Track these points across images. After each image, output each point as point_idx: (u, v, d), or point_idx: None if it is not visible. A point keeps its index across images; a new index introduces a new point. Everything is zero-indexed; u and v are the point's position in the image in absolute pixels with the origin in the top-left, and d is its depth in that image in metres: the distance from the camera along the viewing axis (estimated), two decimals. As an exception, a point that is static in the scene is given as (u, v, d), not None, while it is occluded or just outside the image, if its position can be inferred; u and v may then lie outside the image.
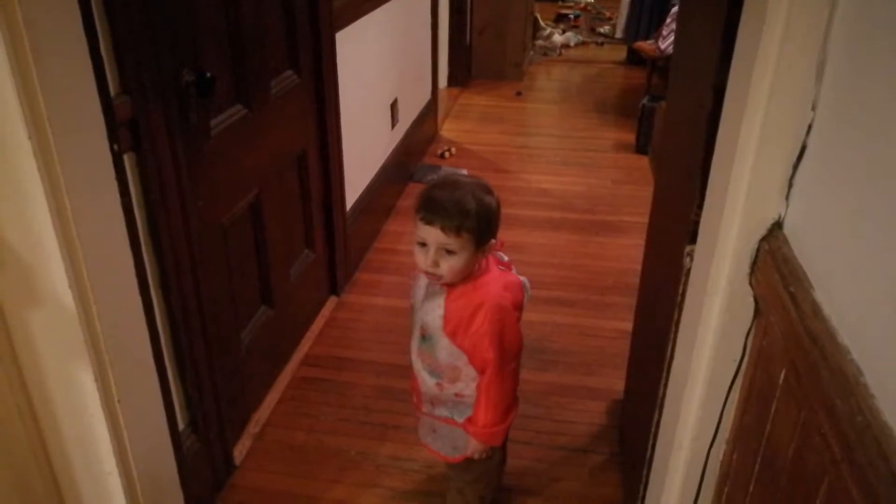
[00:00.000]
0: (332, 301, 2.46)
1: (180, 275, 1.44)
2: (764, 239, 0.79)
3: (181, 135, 1.40)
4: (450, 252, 1.19)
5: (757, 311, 0.83)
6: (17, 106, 0.91)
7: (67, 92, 1.00)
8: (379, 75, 2.89)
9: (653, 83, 4.55)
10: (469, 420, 1.33)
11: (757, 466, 0.78)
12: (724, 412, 0.89)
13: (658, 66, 4.47)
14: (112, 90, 1.16)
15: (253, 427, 1.90)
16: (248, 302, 1.87)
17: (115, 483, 1.18)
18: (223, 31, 1.61)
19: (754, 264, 0.81)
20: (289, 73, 1.99)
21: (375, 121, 2.89)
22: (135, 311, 1.17)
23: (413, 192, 3.37)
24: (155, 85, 1.29)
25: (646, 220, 1.74)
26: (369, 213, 2.80)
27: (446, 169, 3.51)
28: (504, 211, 3.45)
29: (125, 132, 1.21)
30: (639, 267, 1.83)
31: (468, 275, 1.24)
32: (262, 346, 1.94)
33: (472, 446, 1.35)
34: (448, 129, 4.22)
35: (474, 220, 1.18)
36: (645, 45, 4.76)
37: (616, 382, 2.00)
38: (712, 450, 0.92)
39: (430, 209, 1.18)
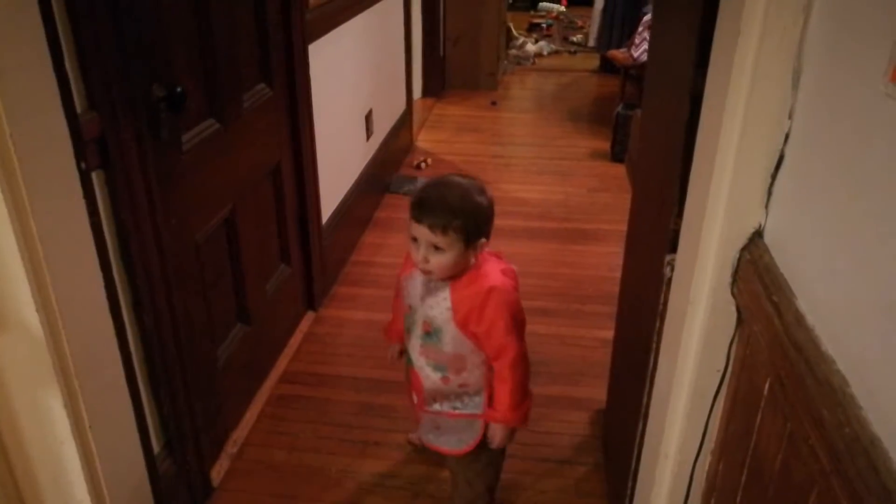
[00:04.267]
0: (309, 316, 2.43)
1: (153, 294, 1.41)
2: (745, 248, 0.79)
3: (152, 151, 1.37)
4: (438, 249, 1.22)
5: (740, 321, 0.82)
6: (-23, 125, 0.88)
7: (31, 109, 0.97)
8: (353, 86, 2.87)
9: (626, 91, 4.58)
10: (491, 407, 1.35)
11: (744, 478, 0.78)
12: (710, 422, 0.89)
13: (631, 74, 4.50)
14: (79, 107, 1.13)
15: (231, 447, 1.86)
16: (223, 319, 1.84)
17: (87, 511, 1.15)
18: (194, 44, 1.59)
19: (736, 274, 0.80)
20: (261, 86, 1.97)
21: (350, 132, 2.87)
22: (106, 334, 1.14)
23: (390, 203, 3.35)
24: (124, 100, 1.26)
25: (623, 227, 1.74)
26: (346, 225, 2.78)
27: (422, 180, 3.49)
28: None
29: (93, 149, 1.18)
30: (617, 275, 1.82)
31: (467, 266, 1.27)
32: (239, 364, 1.91)
33: (498, 433, 1.36)
34: (424, 140, 4.21)
35: (461, 220, 1.21)
36: (618, 54, 4.81)
37: (598, 392, 2.00)
38: (698, 460, 0.91)
39: (420, 208, 1.23)
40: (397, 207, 3.27)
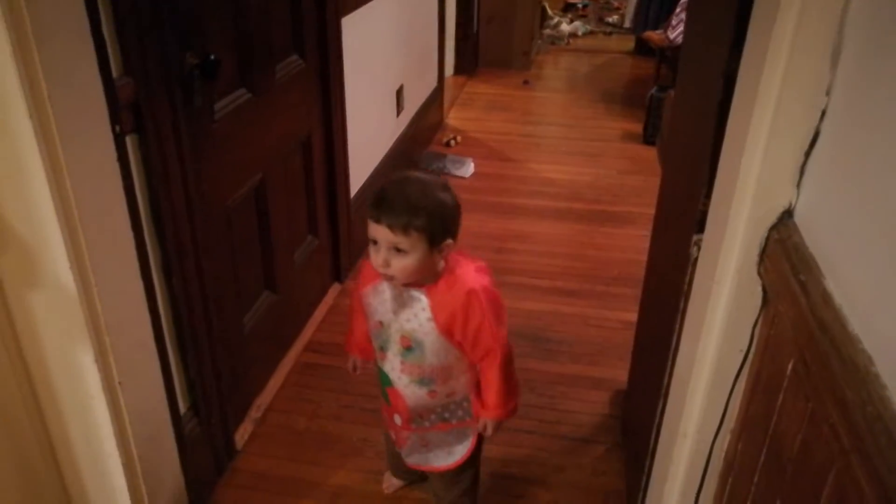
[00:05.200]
0: (335, 288, 2.45)
1: (183, 258, 1.43)
2: (774, 227, 0.78)
3: (185, 118, 1.39)
4: (400, 251, 1.13)
5: (765, 301, 0.82)
6: (17, 86, 0.90)
7: (69, 72, 0.98)
8: (385, 62, 2.87)
9: (661, 73, 4.51)
10: (482, 406, 1.30)
11: (762, 457, 0.77)
12: (730, 402, 0.88)
13: (667, 55, 4.42)
14: (115, 72, 1.15)
15: (255, 412, 1.90)
16: (251, 286, 1.87)
17: (115, 465, 1.18)
18: (227, 14, 1.60)
19: (763, 253, 0.79)
20: (294, 57, 1.98)
21: (381, 107, 2.87)
22: (136, 294, 1.17)
23: (418, 179, 3.35)
24: (158, 67, 1.27)
25: (652, 210, 1.72)
26: (374, 200, 2.78)
27: (452, 157, 3.49)
28: (510, 200, 3.42)
29: (128, 114, 1.20)
30: (644, 258, 1.81)
31: (435, 270, 1.19)
32: (265, 331, 1.94)
33: (490, 427, 1.32)
34: (454, 118, 4.19)
35: (424, 218, 1.12)
36: (654, 35, 4.72)
37: (619, 373, 1.99)
38: (717, 440, 0.91)
39: (378, 206, 1.13)
40: (425, 184, 3.27)
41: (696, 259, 1.06)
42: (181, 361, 1.50)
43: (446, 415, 1.34)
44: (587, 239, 2.85)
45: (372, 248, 1.17)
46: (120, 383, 1.12)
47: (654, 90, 3.83)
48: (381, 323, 1.27)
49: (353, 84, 2.37)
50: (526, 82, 4.92)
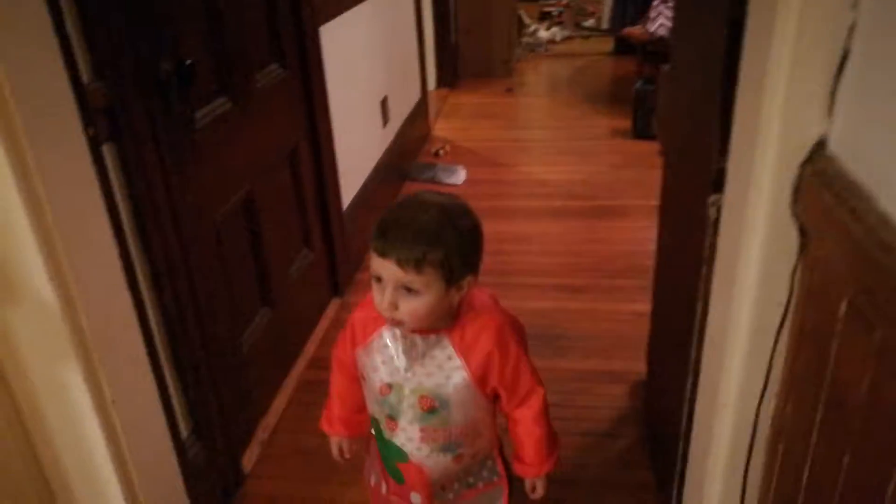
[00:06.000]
0: (335, 302, 2.38)
1: (173, 273, 1.36)
2: (806, 162, 0.72)
3: (164, 125, 1.33)
4: (411, 291, 0.92)
5: (802, 245, 0.75)
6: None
7: (34, 73, 0.92)
8: (367, 71, 2.82)
9: (644, 69, 4.48)
10: (522, 464, 1.11)
11: (819, 414, 0.70)
12: (773, 363, 0.82)
13: (648, 50, 4.40)
14: (85, 77, 1.09)
15: (261, 433, 1.81)
16: (247, 303, 1.79)
17: (114, 492, 1.10)
18: (202, 20, 1.54)
19: (797, 192, 0.73)
20: (273, 66, 1.92)
21: (367, 118, 2.82)
22: (124, 308, 1.09)
23: (410, 190, 3.30)
24: (132, 72, 1.22)
25: (650, 202, 1.67)
26: (367, 212, 2.72)
27: (441, 166, 3.44)
28: (504, 203, 3.38)
29: (102, 120, 1.14)
30: (648, 248, 1.76)
31: (451, 310, 0.99)
32: (266, 349, 1.86)
33: (540, 486, 1.13)
34: (440, 128, 4.15)
35: (441, 252, 0.90)
36: (634, 31, 4.70)
37: (636, 364, 1.92)
38: (762, 405, 0.84)
39: (385, 237, 0.92)
40: (417, 194, 3.22)
41: (717, 220, 1.00)
42: (179, 382, 1.42)
43: (471, 479, 1.14)
44: (587, 235, 2.79)
45: (375, 287, 0.95)
46: (113, 402, 1.04)
47: (638, 84, 3.81)
48: (389, 386, 1.03)
49: (336, 94, 2.32)
50: (509, 90, 4.90)
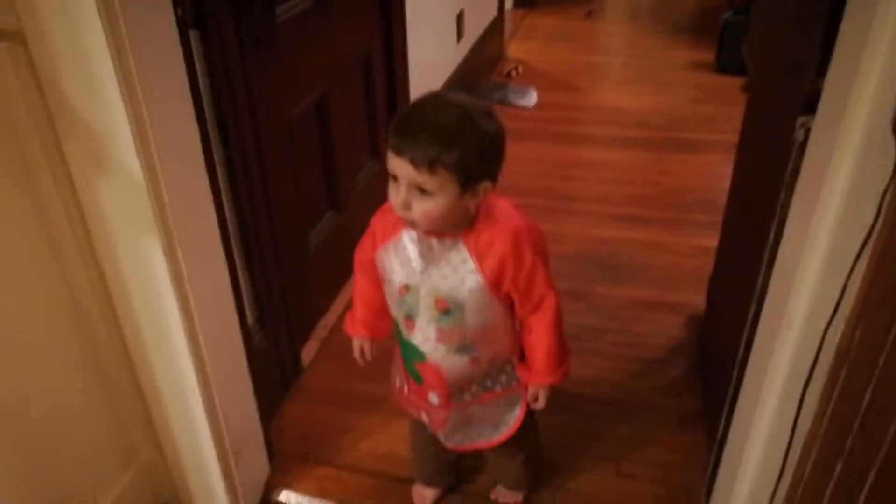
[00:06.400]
0: (397, 214, 2.41)
1: (247, 165, 1.40)
2: (915, 75, 0.68)
3: (246, 17, 1.34)
4: (424, 192, 0.92)
5: (898, 165, 0.72)
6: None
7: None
8: (445, -18, 2.76)
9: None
10: (528, 369, 1.13)
11: (891, 337, 0.69)
12: (847, 287, 0.80)
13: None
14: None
15: (321, 331, 1.89)
16: (315, 204, 1.84)
17: (186, 364, 1.17)
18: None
19: (901, 107, 0.69)
20: (354, -32, 1.90)
21: (441, 30, 2.78)
22: (202, 189, 1.14)
23: (479, 110, 3.25)
24: (217, -41, 1.22)
25: (727, 138, 1.61)
26: (435, 127, 2.72)
27: (513, 87, 3.37)
28: (575, 129, 3.32)
29: (189, 6, 1.15)
30: (720, 184, 1.71)
31: (468, 215, 0.99)
32: (330, 251, 1.91)
33: (542, 396, 1.15)
34: (515, 49, 4.05)
35: (457, 154, 0.89)
36: (728, -43, 4.41)
37: (695, 298, 1.90)
38: (829, 329, 0.82)
39: (401, 134, 0.91)
40: (486, 114, 3.18)
41: (804, 143, 0.96)
42: (247, 271, 1.49)
43: (488, 383, 1.16)
44: (658, 166, 2.72)
45: (391, 186, 0.96)
46: (188, 279, 1.10)
47: (728, 14, 3.59)
48: (406, 287, 1.05)
49: (413, 3, 2.28)
50: (589, 14, 4.71)
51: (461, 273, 1.01)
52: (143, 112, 0.96)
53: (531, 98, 3.28)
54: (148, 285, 1.09)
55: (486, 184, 0.96)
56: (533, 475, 1.41)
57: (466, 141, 0.90)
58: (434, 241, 1.01)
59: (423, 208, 0.93)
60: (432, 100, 0.96)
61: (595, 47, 4.21)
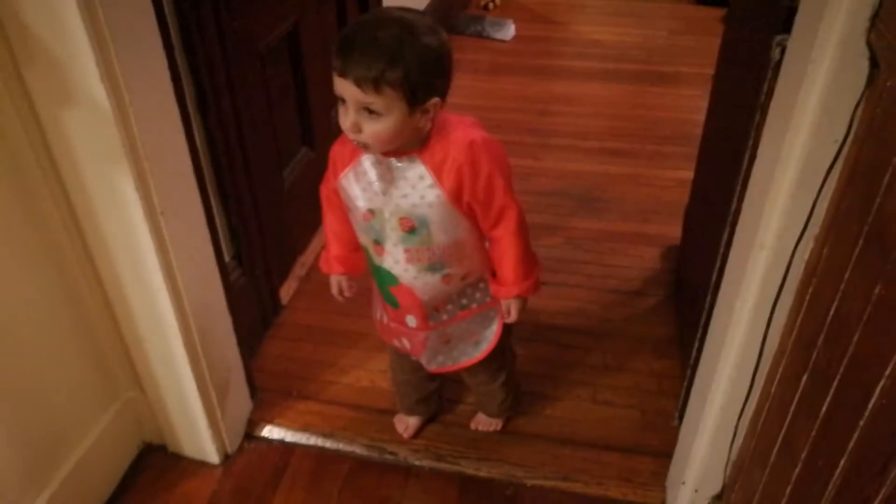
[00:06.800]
0: (374, 151, 2.38)
1: (218, 98, 1.37)
2: (891, -18, 0.67)
3: (210, -59, 1.29)
4: (372, 113, 0.91)
5: (871, 78, 0.72)
6: None
7: None
8: None
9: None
10: (499, 283, 1.13)
11: (857, 250, 0.70)
12: (817, 203, 0.81)
13: None
14: None
15: (299, 269, 1.89)
16: (289, 140, 1.81)
17: (164, 300, 1.17)
18: None
19: (875, 17, 0.69)
20: None
21: (416, -39, 2.69)
22: (173, 120, 1.11)
23: (457, 45, 3.18)
24: None
25: (705, 71, 1.60)
26: (411, 62, 2.66)
27: (490, 20, 3.29)
28: (553, 62, 3.28)
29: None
30: (697, 117, 1.70)
31: (422, 133, 0.98)
32: (305, 189, 1.89)
33: (514, 308, 1.14)
34: (492, -18, 3.94)
35: (401, 71, 0.87)
36: None
37: (671, 229, 1.92)
38: (798, 246, 0.84)
39: (343, 54, 0.89)
40: (463, 48, 3.12)
41: (779, 62, 0.95)
42: (222, 207, 1.47)
43: (464, 301, 1.17)
44: (637, 99, 2.71)
45: (340, 110, 0.95)
46: (162, 213, 1.08)
47: (710, -57, 3.52)
48: (371, 212, 1.05)
49: (386, -70, 2.20)
50: (568, -56, 4.57)
51: (420, 189, 1.01)
52: (107, 38, 0.93)
53: (509, 31, 3.22)
54: (121, 219, 1.08)
55: (435, 100, 0.95)
56: (513, 401, 1.44)
57: (409, 57, 0.88)
58: (392, 160, 1.01)
59: (372, 129, 0.93)
60: (373, 17, 0.95)
61: (574, -21, 4.12)
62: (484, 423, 1.48)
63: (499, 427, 1.47)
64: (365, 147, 0.97)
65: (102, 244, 1.13)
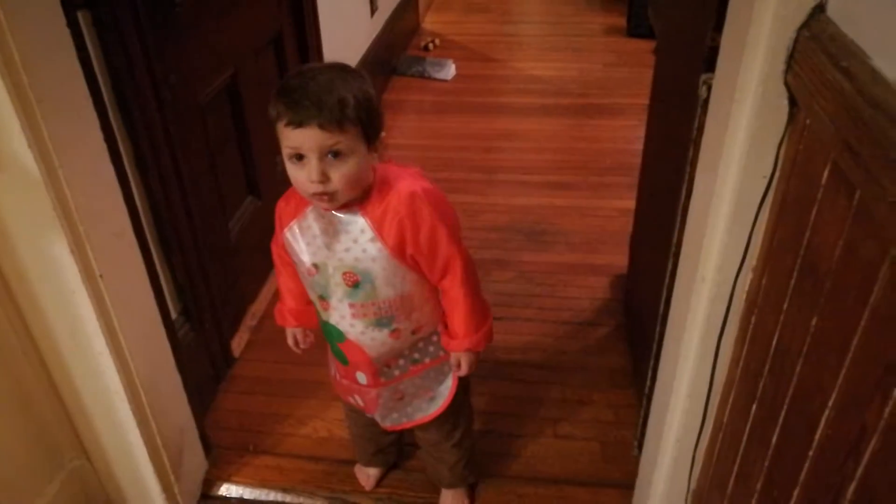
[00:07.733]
0: (321, 195, 2.37)
1: (157, 153, 1.35)
2: (804, 26, 0.70)
3: (141, -2, 1.27)
4: (339, 155, 0.90)
5: (791, 117, 0.75)
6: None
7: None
8: (354, -45, 2.70)
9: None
10: (450, 336, 1.10)
11: (793, 282, 0.72)
12: (752, 235, 0.83)
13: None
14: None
15: (250, 320, 1.85)
16: (234, 191, 1.78)
17: (107, 364, 1.13)
18: None
19: (791, 58, 0.72)
20: (257, -58, 1.83)
21: (354, 6, 2.72)
22: (108, 182, 1.08)
23: (398, 85, 3.22)
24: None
25: (641, 101, 1.66)
26: (354, 105, 2.67)
27: (431, 60, 3.35)
28: (495, 99, 3.35)
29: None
30: (637, 146, 1.75)
31: (369, 180, 0.98)
32: (253, 238, 1.87)
33: (465, 361, 1.12)
34: (430, 22, 4.02)
35: (354, 104, 0.89)
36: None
37: (618, 259, 1.96)
38: (738, 278, 0.86)
39: (297, 107, 0.88)
40: (406, 89, 3.16)
41: (706, 99, 0.99)
42: (167, 263, 1.43)
43: (416, 355, 1.14)
44: (577, 132, 2.77)
45: (295, 168, 0.93)
46: (101, 276, 1.05)
47: (636, -21, 3.67)
48: (315, 266, 1.04)
49: (322, -22, 2.22)
50: (503, -17, 4.70)
51: (362, 243, 0.99)
52: (33, 102, 0.91)
53: (450, 70, 3.27)
54: (57, 284, 1.04)
55: (383, 135, 0.98)
56: (465, 466, 1.35)
57: (356, 92, 0.91)
58: (333, 214, 1.00)
59: (340, 172, 0.92)
60: (305, 69, 0.95)
61: (511, 16, 4.22)
62: (449, 500, 1.39)
63: (466, 502, 1.39)
64: (331, 198, 0.95)
65: (38, 311, 1.08)
